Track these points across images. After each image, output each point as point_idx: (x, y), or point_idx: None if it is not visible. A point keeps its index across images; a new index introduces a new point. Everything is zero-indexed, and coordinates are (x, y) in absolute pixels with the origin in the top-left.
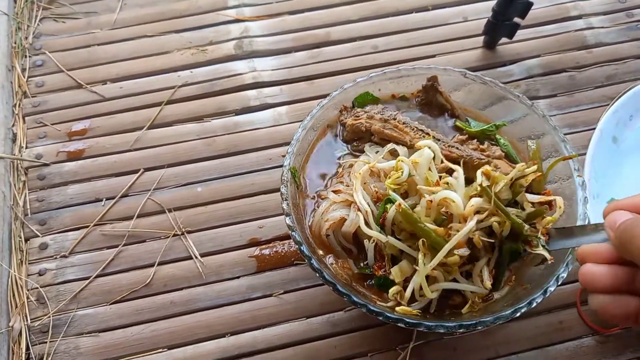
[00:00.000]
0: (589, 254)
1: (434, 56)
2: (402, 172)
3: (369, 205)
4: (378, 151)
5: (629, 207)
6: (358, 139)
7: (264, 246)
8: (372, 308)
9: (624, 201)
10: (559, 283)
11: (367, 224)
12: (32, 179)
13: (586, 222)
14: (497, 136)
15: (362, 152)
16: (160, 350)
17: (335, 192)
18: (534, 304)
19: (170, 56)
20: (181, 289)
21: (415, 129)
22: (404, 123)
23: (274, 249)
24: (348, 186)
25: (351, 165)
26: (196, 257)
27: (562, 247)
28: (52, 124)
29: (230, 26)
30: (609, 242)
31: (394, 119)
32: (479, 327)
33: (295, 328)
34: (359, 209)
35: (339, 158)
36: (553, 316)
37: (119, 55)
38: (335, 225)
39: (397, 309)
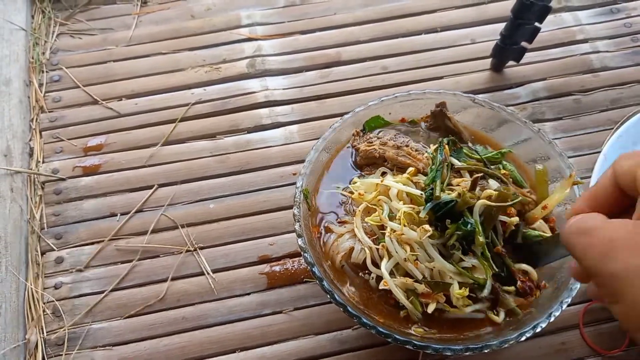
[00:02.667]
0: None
1: (442, 77)
2: (383, 211)
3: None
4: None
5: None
6: (371, 165)
7: (274, 263)
8: (381, 330)
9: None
10: (564, 308)
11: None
12: (48, 194)
13: None
14: (503, 162)
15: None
16: None
17: (341, 222)
18: (539, 329)
19: (184, 74)
20: (193, 304)
21: (429, 157)
22: (416, 150)
23: (285, 266)
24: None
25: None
26: (208, 273)
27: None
28: (68, 139)
29: (243, 45)
30: None
31: (407, 145)
32: (485, 350)
33: (303, 345)
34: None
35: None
36: (556, 337)
37: (134, 72)
38: (346, 256)
39: (413, 329)
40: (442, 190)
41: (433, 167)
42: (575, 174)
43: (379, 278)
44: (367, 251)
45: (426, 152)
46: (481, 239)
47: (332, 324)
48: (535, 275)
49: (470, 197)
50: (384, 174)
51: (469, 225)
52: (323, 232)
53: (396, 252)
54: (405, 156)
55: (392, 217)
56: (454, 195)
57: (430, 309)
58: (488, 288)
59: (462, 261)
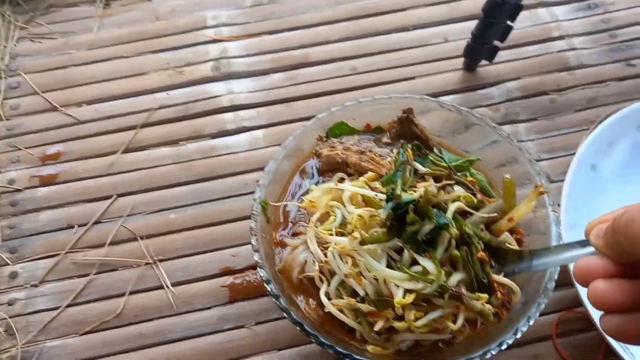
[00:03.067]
0: (590, 268)
1: (413, 78)
2: (335, 219)
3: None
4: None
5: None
6: (333, 170)
7: (236, 275)
8: (339, 350)
9: (608, 215)
10: (531, 324)
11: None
12: (3, 205)
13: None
14: (472, 170)
15: None
16: None
17: (295, 234)
18: (504, 346)
19: (147, 77)
20: (152, 319)
21: (392, 161)
22: (380, 155)
23: (247, 279)
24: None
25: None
26: (168, 287)
27: (546, 266)
28: (25, 148)
29: (208, 46)
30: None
31: (371, 150)
32: None
33: None
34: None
35: (303, 194)
36: (527, 349)
37: (96, 77)
38: (301, 270)
39: (368, 348)
40: (403, 190)
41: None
42: (541, 185)
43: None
44: (316, 266)
45: (389, 157)
46: (454, 232)
47: (295, 338)
48: (517, 291)
49: (433, 195)
50: (342, 180)
51: (441, 219)
52: (279, 245)
53: (338, 267)
54: (369, 161)
55: (346, 223)
56: (416, 195)
57: (377, 327)
58: (434, 287)
59: (416, 264)
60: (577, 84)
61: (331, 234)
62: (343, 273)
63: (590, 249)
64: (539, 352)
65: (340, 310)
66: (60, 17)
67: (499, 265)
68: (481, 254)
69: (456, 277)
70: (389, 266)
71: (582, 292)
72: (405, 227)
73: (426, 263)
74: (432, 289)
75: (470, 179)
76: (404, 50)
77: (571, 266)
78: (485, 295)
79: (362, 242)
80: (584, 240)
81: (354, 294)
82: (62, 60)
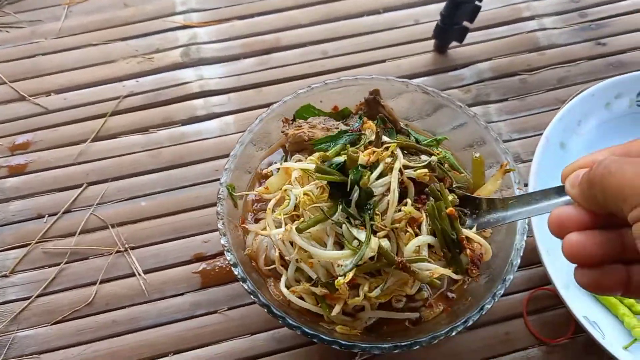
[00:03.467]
0: (565, 219)
1: (384, 61)
2: (289, 203)
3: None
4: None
5: (589, 164)
6: (301, 150)
7: (208, 261)
8: (306, 330)
9: (583, 160)
10: (496, 300)
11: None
12: None
13: (525, 236)
14: (440, 149)
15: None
16: None
17: (257, 220)
18: (470, 322)
19: (116, 65)
20: (124, 307)
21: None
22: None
23: (219, 264)
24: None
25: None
26: (139, 274)
27: (521, 216)
28: None
29: (177, 33)
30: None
31: (337, 128)
32: (415, 347)
33: (239, 345)
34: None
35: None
36: (499, 327)
37: (64, 65)
38: (267, 255)
39: (337, 328)
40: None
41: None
42: (507, 163)
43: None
44: (276, 252)
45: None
46: (366, 178)
47: (268, 322)
48: (487, 247)
49: (353, 151)
50: (299, 161)
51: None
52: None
53: (289, 253)
54: None
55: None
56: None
57: (335, 311)
58: (359, 256)
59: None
60: (547, 64)
61: (286, 218)
62: (294, 258)
63: (566, 197)
64: (510, 329)
65: (301, 297)
66: (28, 6)
67: (472, 218)
68: (451, 209)
69: (414, 243)
70: (339, 244)
71: (551, 270)
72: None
73: (359, 234)
74: (357, 258)
75: (438, 152)
76: (375, 33)
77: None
78: (437, 268)
79: (299, 230)
80: (560, 187)
81: (310, 278)
82: (29, 49)
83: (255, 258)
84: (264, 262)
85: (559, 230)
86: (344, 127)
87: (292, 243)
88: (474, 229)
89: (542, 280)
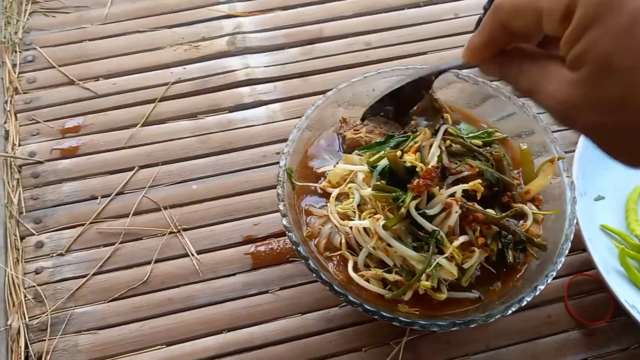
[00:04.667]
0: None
1: (425, 53)
2: (354, 199)
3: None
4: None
5: None
6: None
7: (259, 243)
8: (368, 307)
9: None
10: (549, 281)
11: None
12: (25, 177)
13: (574, 222)
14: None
15: None
16: (159, 347)
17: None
18: (524, 302)
19: (163, 52)
20: (178, 286)
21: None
22: None
23: (270, 246)
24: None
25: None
26: (192, 255)
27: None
28: (45, 121)
29: (222, 22)
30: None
31: (394, 133)
32: (472, 325)
33: (291, 324)
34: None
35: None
36: (541, 310)
37: (111, 51)
38: (328, 240)
39: (399, 306)
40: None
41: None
42: (555, 159)
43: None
44: (342, 239)
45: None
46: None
47: (318, 302)
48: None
49: (393, 153)
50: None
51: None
52: (304, 213)
53: (364, 241)
54: None
55: (364, 203)
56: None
57: (407, 297)
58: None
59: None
60: None
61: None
62: (370, 246)
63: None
64: (552, 312)
65: (367, 280)
66: None
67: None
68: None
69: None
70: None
71: (594, 255)
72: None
73: (410, 253)
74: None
75: (497, 153)
76: (416, 25)
77: None
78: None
79: (385, 227)
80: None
81: (381, 263)
82: (76, 34)
83: (318, 240)
84: (324, 245)
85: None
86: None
87: (367, 232)
88: None
89: (582, 266)
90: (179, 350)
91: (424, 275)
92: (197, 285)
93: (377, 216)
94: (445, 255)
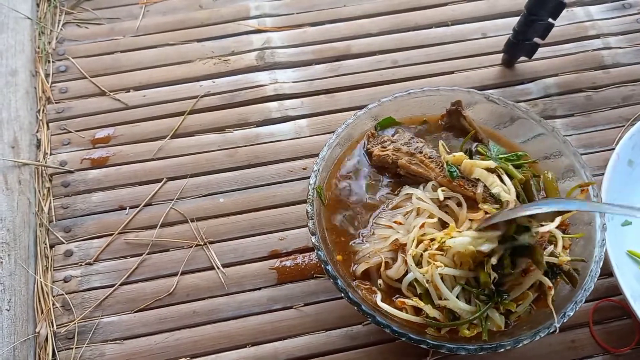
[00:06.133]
0: None
1: (452, 72)
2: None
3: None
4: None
5: None
6: (385, 168)
7: (284, 258)
8: (395, 329)
9: None
10: (578, 308)
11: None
12: (56, 186)
13: (604, 249)
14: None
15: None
16: (184, 359)
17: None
18: (553, 328)
19: (193, 65)
20: (203, 298)
21: (440, 164)
22: (429, 157)
23: (295, 261)
24: (400, 224)
25: (408, 197)
26: (218, 268)
27: None
28: (76, 131)
29: (252, 36)
30: None
31: (420, 152)
32: (500, 350)
33: (315, 340)
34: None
35: (389, 187)
36: (566, 335)
37: (142, 63)
38: (375, 267)
39: (427, 330)
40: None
41: None
42: (587, 187)
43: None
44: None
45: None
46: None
47: (342, 319)
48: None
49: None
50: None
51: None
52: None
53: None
54: (418, 164)
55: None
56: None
57: (443, 331)
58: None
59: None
60: (612, 82)
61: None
62: (424, 280)
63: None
64: (576, 338)
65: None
66: (106, 3)
67: None
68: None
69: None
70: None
71: (621, 281)
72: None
73: (462, 306)
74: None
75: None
76: (443, 45)
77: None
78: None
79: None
80: None
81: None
82: (108, 45)
83: (356, 261)
84: (362, 270)
85: None
86: (427, 150)
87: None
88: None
89: (607, 292)
90: None
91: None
92: (222, 299)
93: (438, 263)
94: (500, 311)
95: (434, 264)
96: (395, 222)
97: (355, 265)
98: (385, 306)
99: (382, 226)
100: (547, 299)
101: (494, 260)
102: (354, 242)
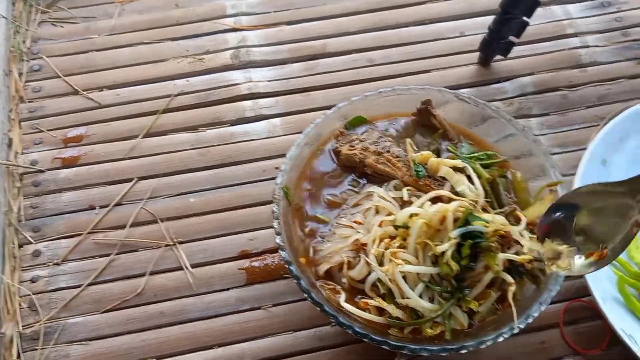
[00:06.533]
0: None
1: (429, 71)
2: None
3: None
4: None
5: None
6: (352, 167)
7: (254, 259)
8: (357, 330)
9: None
10: (542, 309)
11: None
12: (26, 185)
13: None
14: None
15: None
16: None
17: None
18: (516, 330)
19: (167, 64)
20: (171, 299)
21: (408, 164)
22: (397, 157)
23: (264, 262)
24: (359, 223)
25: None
26: (187, 268)
27: None
28: (48, 130)
29: (227, 35)
30: None
31: (388, 151)
32: (463, 351)
33: (282, 341)
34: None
35: (352, 186)
36: (535, 336)
37: (116, 62)
38: (336, 268)
39: (390, 331)
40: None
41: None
42: (556, 188)
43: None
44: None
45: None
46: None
47: (310, 320)
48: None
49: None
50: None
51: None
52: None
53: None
54: (385, 163)
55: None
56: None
57: (406, 331)
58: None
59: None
60: (588, 81)
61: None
62: (386, 279)
63: None
64: (546, 339)
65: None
66: (81, 2)
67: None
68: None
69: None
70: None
71: (591, 282)
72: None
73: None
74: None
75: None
76: (421, 43)
77: None
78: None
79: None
80: None
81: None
82: (83, 44)
83: (316, 262)
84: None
85: None
86: (395, 150)
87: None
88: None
89: (579, 292)
90: None
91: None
92: (189, 299)
93: (398, 261)
94: (463, 309)
95: (394, 261)
96: (355, 221)
97: (316, 266)
98: (348, 307)
99: (343, 226)
100: (507, 295)
101: (448, 246)
102: (315, 242)
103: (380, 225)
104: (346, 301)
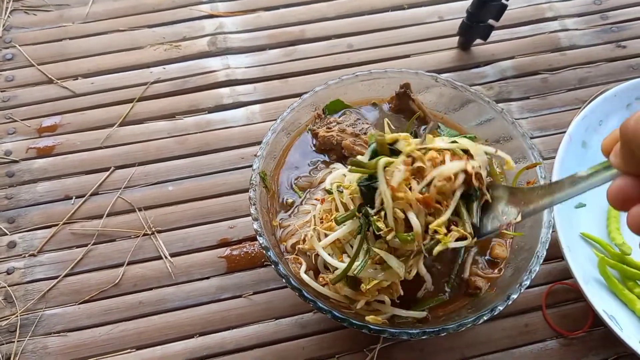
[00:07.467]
0: (627, 193)
1: (408, 56)
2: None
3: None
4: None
5: None
6: (328, 150)
7: (234, 247)
8: (337, 315)
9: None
10: (522, 290)
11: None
12: (0, 176)
13: (551, 229)
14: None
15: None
16: (129, 350)
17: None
18: (497, 311)
19: (143, 52)
20: (150, 289)
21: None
22: None
23: (244, 250)
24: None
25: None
26: (166, 257)
27: (570, 196)
28: (22, 120)
29: (204, 22)
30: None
31: (365, 133)
32: (442, 334)
33: (264, 329)
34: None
35: (314, 167)
36: (518, 319)
37: (91, 50)
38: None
39: (367, 318)
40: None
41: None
42: (534, 181)
43: None
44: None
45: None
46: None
47: (292, 307)
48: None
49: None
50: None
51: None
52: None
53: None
54: (362, 145)
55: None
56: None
57: (359, 305)
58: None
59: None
60: (568, 64)
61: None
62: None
63: (613, 170)
64: (529, 322)
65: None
66: None
67: (517, 208)
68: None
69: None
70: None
71: (572, 263)
72: None
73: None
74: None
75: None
76: (399, 28)
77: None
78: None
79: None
80: (605, 162)
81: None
82: (57, 32)
83: (284, 240)
84: (291, 245)
85: (622, 204)
86: (372, 132)
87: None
88: (519, 217)
89: (561, 275)
90: (149, 354)
91: (366, 282)
92: (169, 289)
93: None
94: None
95: (311, 231)
96: (316, 198)
97: (285, 242)
98: (306, 277)
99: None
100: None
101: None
102: (282, 219)
103: (322, 202)
104: (306, 272)
